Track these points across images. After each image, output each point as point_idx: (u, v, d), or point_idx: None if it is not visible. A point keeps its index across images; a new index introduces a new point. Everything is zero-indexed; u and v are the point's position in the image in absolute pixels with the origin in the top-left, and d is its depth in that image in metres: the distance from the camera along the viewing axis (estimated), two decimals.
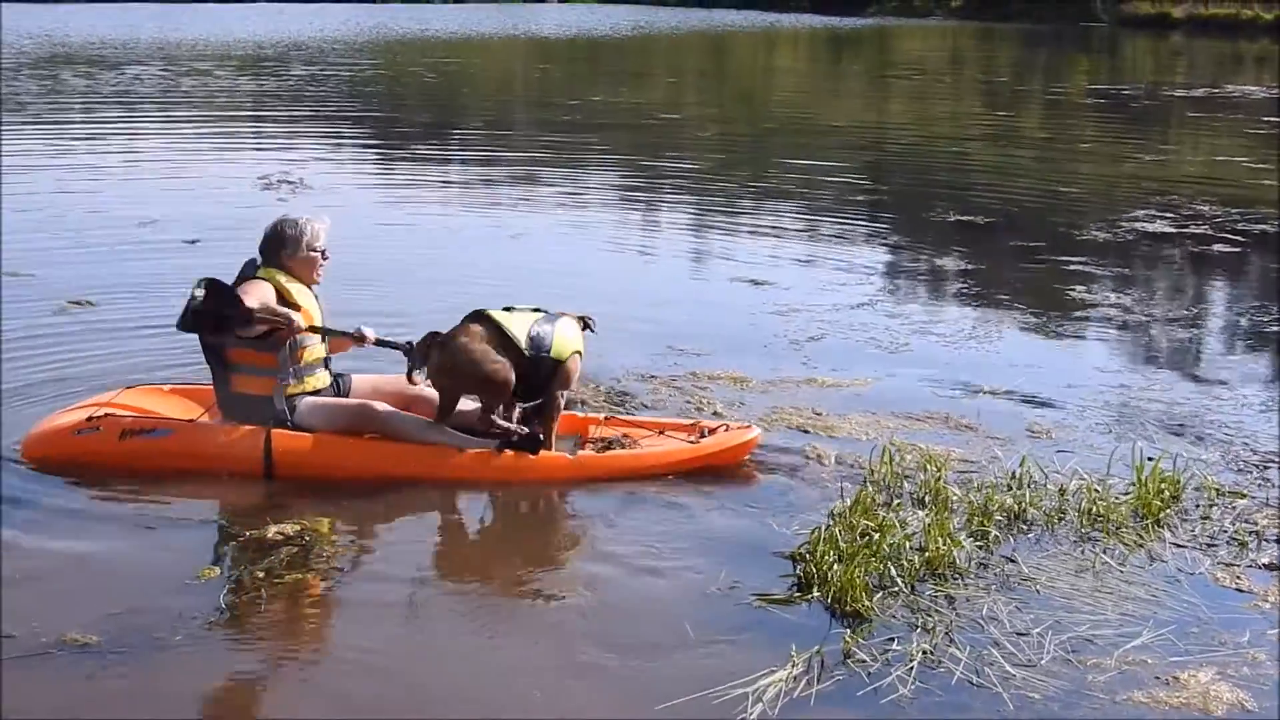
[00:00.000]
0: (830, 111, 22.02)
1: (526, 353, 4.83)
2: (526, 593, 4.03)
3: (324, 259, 5.01)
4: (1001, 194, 12.23)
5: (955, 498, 4.58)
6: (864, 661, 3.54)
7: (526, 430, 4.87)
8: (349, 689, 3.42)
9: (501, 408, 4.88)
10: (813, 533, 4.20)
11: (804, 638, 3.64)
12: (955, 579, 4.02)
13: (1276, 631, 3.75)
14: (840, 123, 19.76)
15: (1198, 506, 4.62)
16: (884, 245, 10.00)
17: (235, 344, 4.78)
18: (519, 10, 78.88)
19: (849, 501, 4.45)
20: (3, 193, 10.68)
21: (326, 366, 5.05)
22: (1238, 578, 4.10)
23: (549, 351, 4.87)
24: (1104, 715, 3.33)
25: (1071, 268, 8.73)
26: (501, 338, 4.82)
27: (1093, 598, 3.93)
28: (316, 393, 4.96)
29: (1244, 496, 4.72)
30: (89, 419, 4.84)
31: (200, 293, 4.63)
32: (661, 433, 5.14)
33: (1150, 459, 4.82)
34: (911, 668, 3.50)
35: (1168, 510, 4.53)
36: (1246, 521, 4.51)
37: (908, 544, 4.14)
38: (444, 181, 13.22)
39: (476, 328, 4.84)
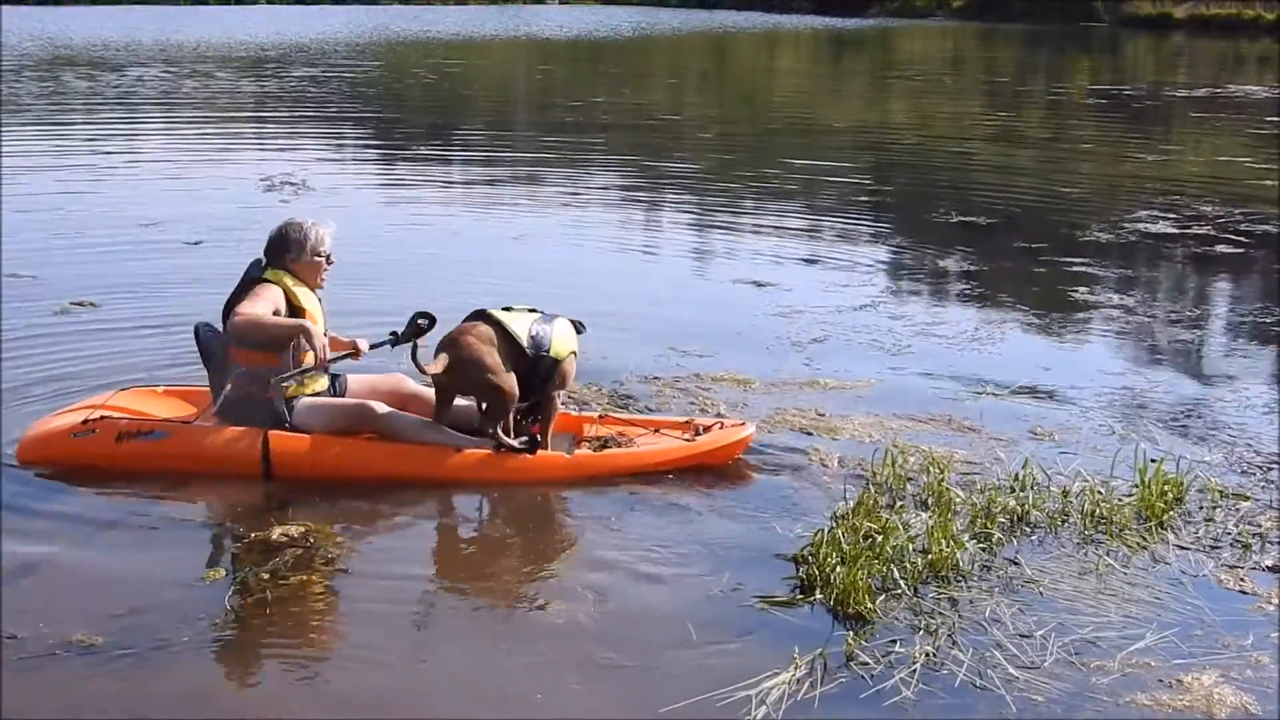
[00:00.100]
0: (832, 112, 21.99)
1: (528, 352, 4.84)
2: (530, 594, 4.03)
3: (328, 264, 5.01)
4: (1003, 194, 12.23)
5: (958, 499, 4.57)
6: (867, 664, 3.54)
7: (525, 439, 4.87)
8: (354, 690, 3.42)
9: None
10: (815, 534, 4.20)
11: (807, 640, 3.64)
12: (958, 581, 4.01)
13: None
14: (842, 123, 19.74)
15: (1201, 508, 4.62)
16: (886, 246, 10.00)
17: (238, 346, 4.78)
18: (520, 11, 78.89)
19: (852, 503, 4.46)
20: (4, 193, 10.69)
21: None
22: (1241, 580, 4.09)
23: (548, 351, 4.89)
24: (1107, 717, 3.33)
25: (1074, 268, 8.72)
26: (505, 337, 4.83)
27: (1096, 600, 3.93)
28: (314, 394, 4.96)
29: (1247, 499, 4.71)
30: (84, 422, 4.83)
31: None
32: (657, 431, 5.15)
33: (1153, 461, 4.82)
34: (915, 670, 3.50)
35: (1171, 512, 4.52)
36: (1250, 524, 4.50)
37: (910, 546, 4.14)
38: (446, 182, 13.21)
39: (484, 328, 4.84)
